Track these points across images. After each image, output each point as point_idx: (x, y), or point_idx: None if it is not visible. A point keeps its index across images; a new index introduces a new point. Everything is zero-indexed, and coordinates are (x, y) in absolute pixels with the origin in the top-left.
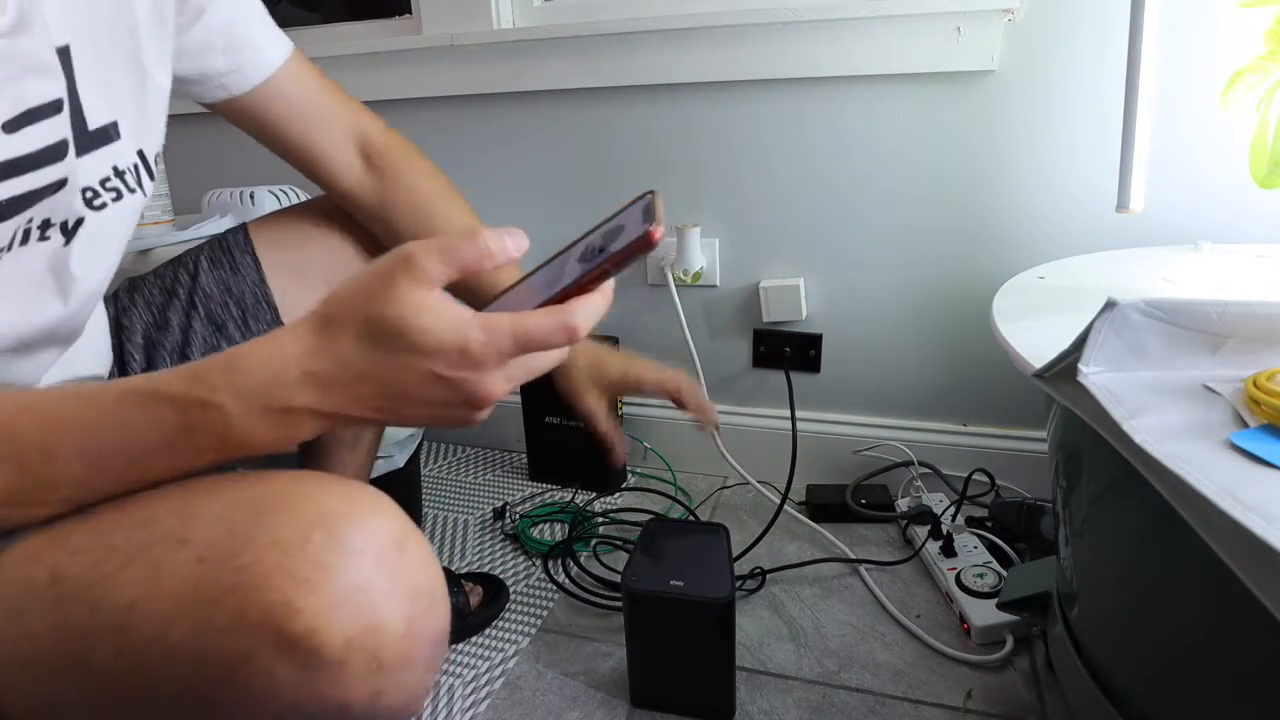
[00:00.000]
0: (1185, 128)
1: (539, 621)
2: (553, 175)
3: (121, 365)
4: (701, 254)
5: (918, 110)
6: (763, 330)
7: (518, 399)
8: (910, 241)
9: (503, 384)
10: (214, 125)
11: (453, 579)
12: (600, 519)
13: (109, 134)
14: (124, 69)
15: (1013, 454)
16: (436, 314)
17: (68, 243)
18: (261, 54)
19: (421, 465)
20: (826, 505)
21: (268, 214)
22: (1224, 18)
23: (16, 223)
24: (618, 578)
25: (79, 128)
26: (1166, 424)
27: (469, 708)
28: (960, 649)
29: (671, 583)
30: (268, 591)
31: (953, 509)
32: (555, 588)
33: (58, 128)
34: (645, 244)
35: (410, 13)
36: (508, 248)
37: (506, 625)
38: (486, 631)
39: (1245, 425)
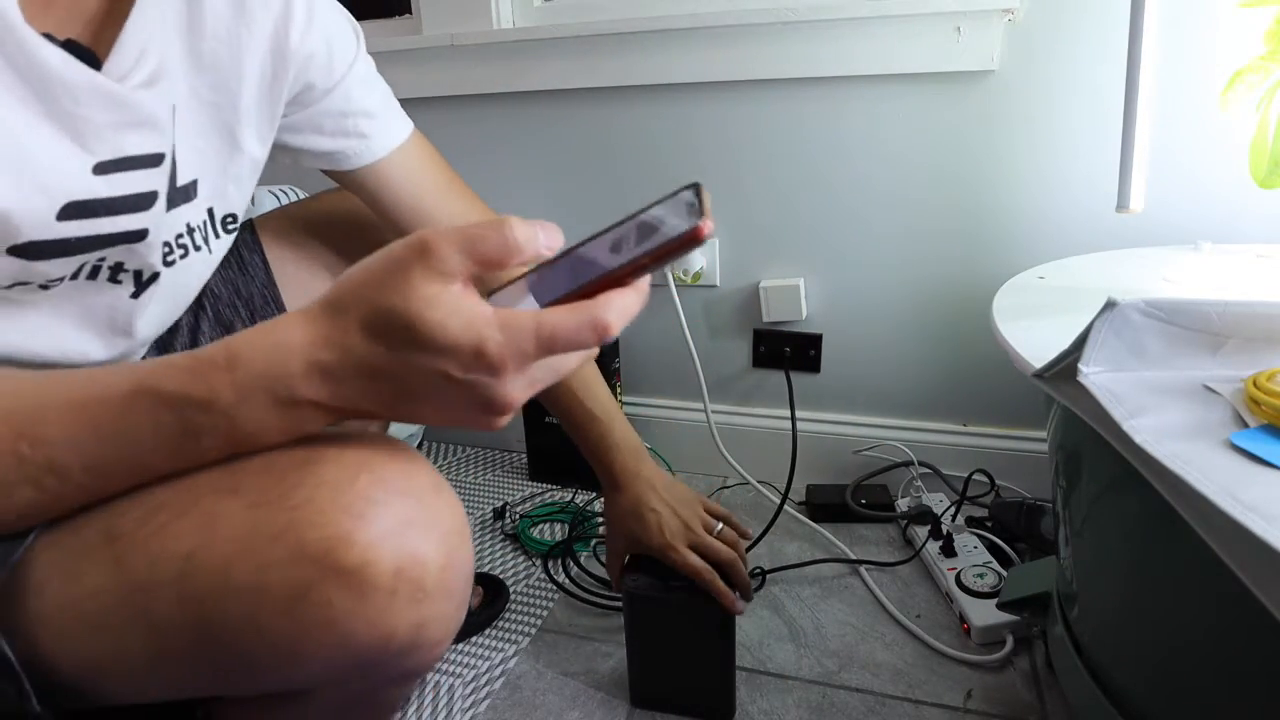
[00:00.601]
0: (1185, 128)
1: (539, 621)
2: (553, 175)
3: None
4: (701, 254)
5: (918, 110)
6: (763, 330)
7: None
8: (910, 241)
9: (524, 388)
10: None
11: None
12: (600, 519)
13: (189, 192)
14: (216, 134)
15: (1013, 454)
16: (450, 310)
17: (137, 294)
18: (369, 142)
19: None
20: (826, 505)
21: (274, 211)
22: (1224, 18)
23: (86, 258)
24: None
25: (171, 183)
26: (1166, 424)
27: (469, 708)
28: (960, 649)
29: (672, 583)
30: (323, 527)
31: (953, 509)
32: (555, 588)
33: (151, 180)
34: (692, 239)
35: (410, 13)
36: (538, 242)
37: (506, 625)
38: (486, 631)
39: (1245, 425)
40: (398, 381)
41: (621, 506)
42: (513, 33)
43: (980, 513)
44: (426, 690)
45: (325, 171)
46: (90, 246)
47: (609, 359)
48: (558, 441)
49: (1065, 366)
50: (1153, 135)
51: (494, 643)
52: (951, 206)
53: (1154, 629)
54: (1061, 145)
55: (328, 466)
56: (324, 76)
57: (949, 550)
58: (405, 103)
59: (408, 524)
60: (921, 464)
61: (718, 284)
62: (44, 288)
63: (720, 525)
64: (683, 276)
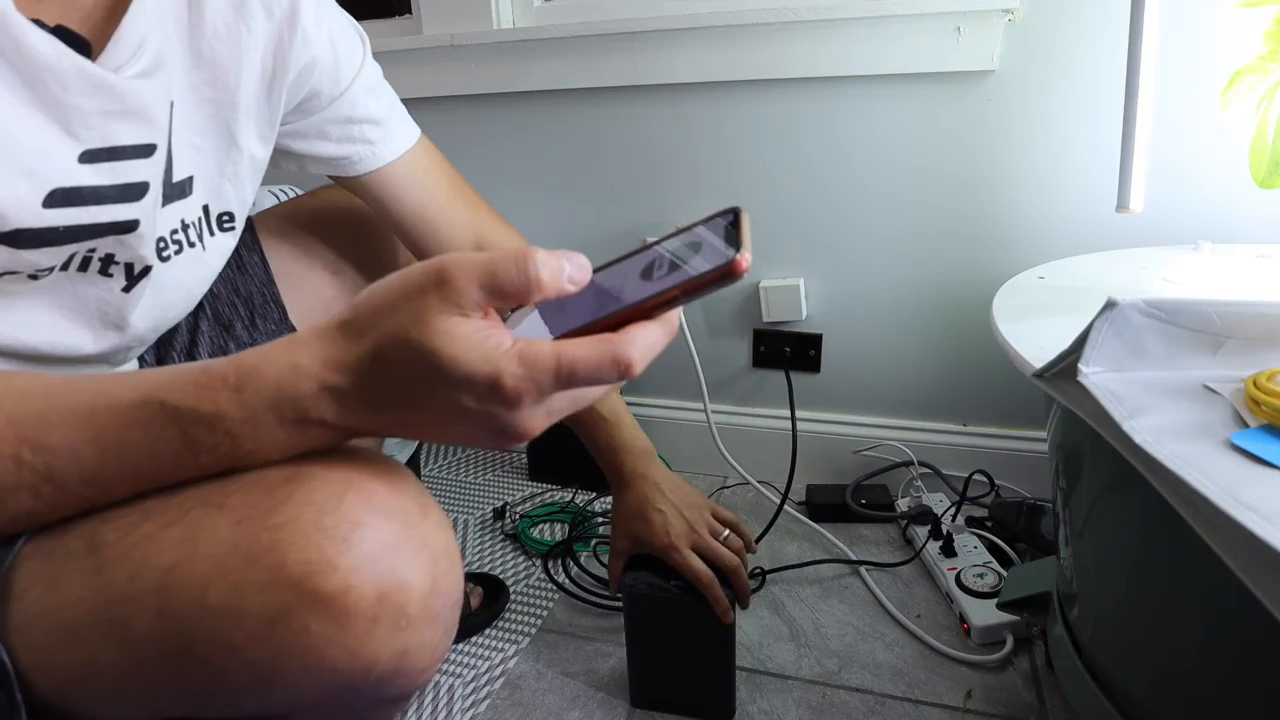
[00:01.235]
0: (1185, 127)
1: (539, 621)
2: (552, 175)
3: None
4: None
5: (918, 110)
6: (763, 330)
7: None
8: (910, 241)
9: (541, 419)
10: None
11: None
12: (600, 519)
13: (184, 188)
14: (215, 131)
15: (1013, 454)
16: (467, 344)
17: (129, 288)
18: (375, 148)
19: (421, 465)
20: (826, 505)
21: (272, 209)
22: (1224, 18)
23: (75, 248)
24: None
25: (166, 178)
26: (1166, 424)
27: (469, 708)
28: (960, 649)
29: (672, 583)
30: (304, 549)
31: (953, 509)
32: (555, 588)
33: (142, 170)
34: (729, 273)
35: (410, 13)
36: (562, 278)
37: (506, 625)
38: (486, 631)
39: (1245, 425)
40: (411, 408)
41: (628, 506)
42: (513, 33)
43: (980, 513)
44: (426, 690)
45: (332, 177)
46: (78, 236)
47: None
48: (558, 441)
49: (1065, 366)
50: (1153, 135)
51: (494, 643)
52: (952, 206)
53: (1154, 629)
54: (1061, 145)
55: (314, 484)
56: (330, 84)
57: (949, 550)
58: (405, 103)
59: (392, 548)
60: (921, 464)
61: None
62: (34, 278)
63: (727, 532)
64: None
